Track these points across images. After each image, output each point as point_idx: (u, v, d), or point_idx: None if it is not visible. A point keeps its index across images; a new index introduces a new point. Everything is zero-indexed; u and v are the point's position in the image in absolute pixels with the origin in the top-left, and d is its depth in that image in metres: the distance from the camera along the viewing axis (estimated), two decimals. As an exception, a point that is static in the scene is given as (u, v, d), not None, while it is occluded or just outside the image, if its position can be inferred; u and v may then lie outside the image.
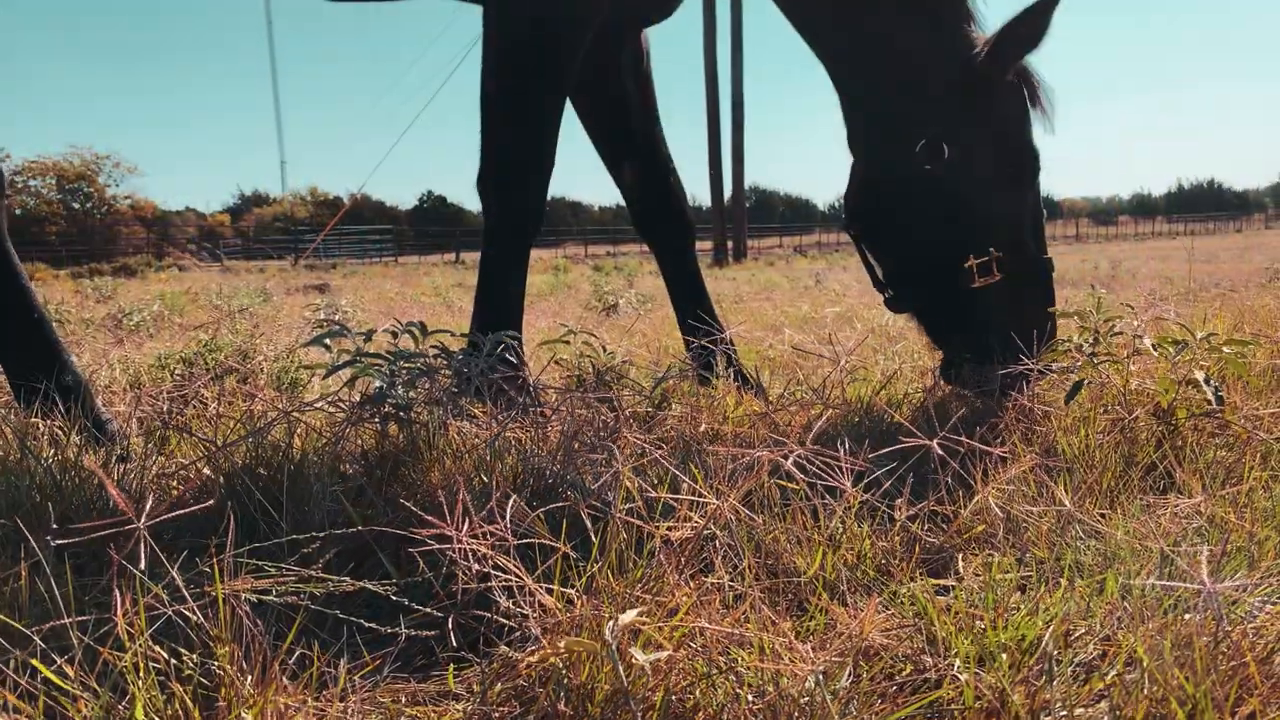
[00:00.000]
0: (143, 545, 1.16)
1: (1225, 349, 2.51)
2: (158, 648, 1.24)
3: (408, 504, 1.48)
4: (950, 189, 2.90)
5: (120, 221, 53.25)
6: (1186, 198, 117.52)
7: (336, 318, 6.69)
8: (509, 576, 1.34)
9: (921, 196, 2.93)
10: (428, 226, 65.84)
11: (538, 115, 3.01)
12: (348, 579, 1.30)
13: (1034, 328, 2.76)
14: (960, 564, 1.71)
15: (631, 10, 3.48)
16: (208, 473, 2.27)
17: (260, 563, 1.34)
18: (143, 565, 1.18)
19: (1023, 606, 1.43)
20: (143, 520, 1.18)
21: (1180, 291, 8.21)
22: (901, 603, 1.54)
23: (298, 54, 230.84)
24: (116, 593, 1.22)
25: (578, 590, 1.37)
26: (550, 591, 1.35)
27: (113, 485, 1.17)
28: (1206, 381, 2.38)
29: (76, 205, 51.81)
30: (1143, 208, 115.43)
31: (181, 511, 1.32)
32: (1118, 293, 9.25)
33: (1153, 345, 2.59)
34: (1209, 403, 2.39)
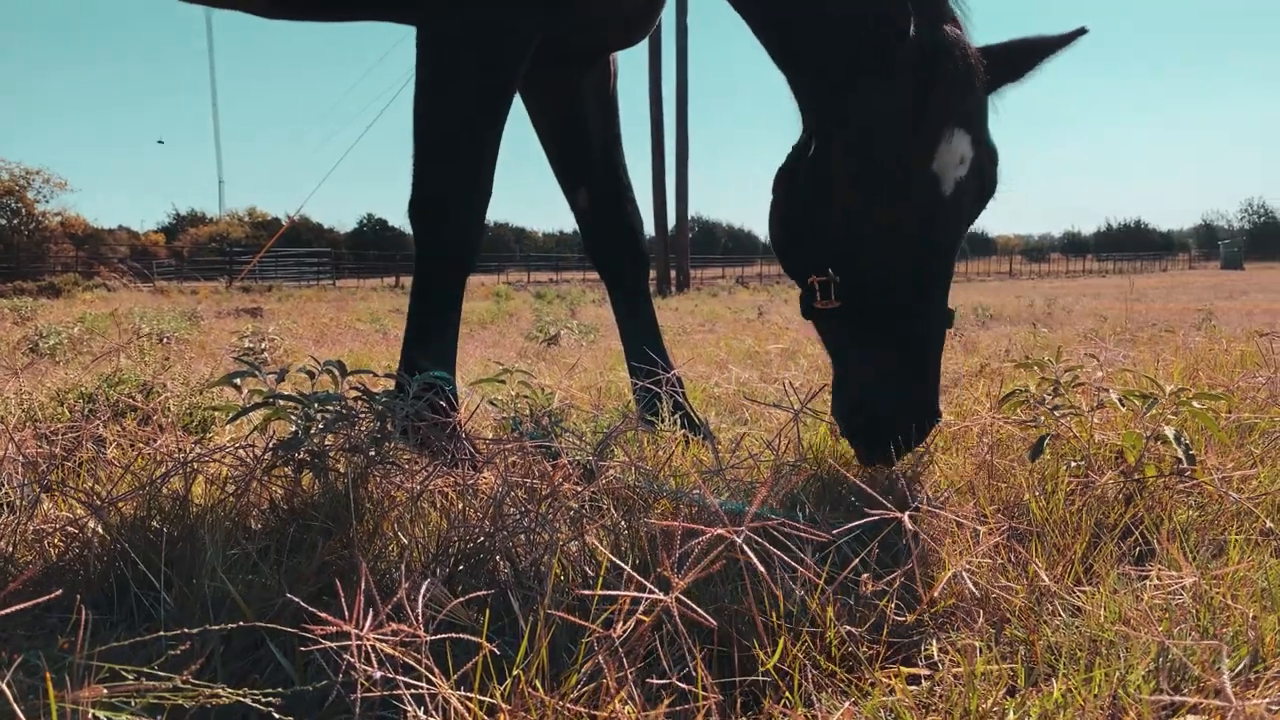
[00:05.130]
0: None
1: (1195, 403, 2.39)
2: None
3: (295, 597, 1.26)
4: (808, 193, 2.43)
5: (49, 239, 51.67)
6: (1115, 237, 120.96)
7: (263, 345, 6.38)
8: (420, 682, 1.14)
9: (788, 196, 2.51)
10: (367, 250, 64.92)
11: (471, 143, 2.81)
12: (223, 689, 1.08)
13: (897, 381, 2.25)
14: (934, 648, 1.54)
15: (598, 34, 3.30)
16: (97, 528, 2.02)
17: (115, 667, 1.11)
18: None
19: (1010, 711, 1.26)
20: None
21: (1118, 330, 8.26)
22: (871, 697, 1.37)
23: (238, 72, 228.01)
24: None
25: (501, 696, 1.17)
26: (469, 699, 1.15)
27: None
28: (1177, 439, 2.25)
29: (3, 221, 50.08)
30: (1073, 246, 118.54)
31: (22, 606, 1.09)
32: (1055, 330, 9.31)
33: (1119, 399, 2.47)
34: (1179, 460, 2.27)
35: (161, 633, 1.26)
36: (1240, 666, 1.38)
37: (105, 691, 1.05)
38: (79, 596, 1.35)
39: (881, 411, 2.27)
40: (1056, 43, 2.43)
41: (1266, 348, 4.32)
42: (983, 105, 2.37)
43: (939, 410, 2.33)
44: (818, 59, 2.50)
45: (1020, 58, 2.44)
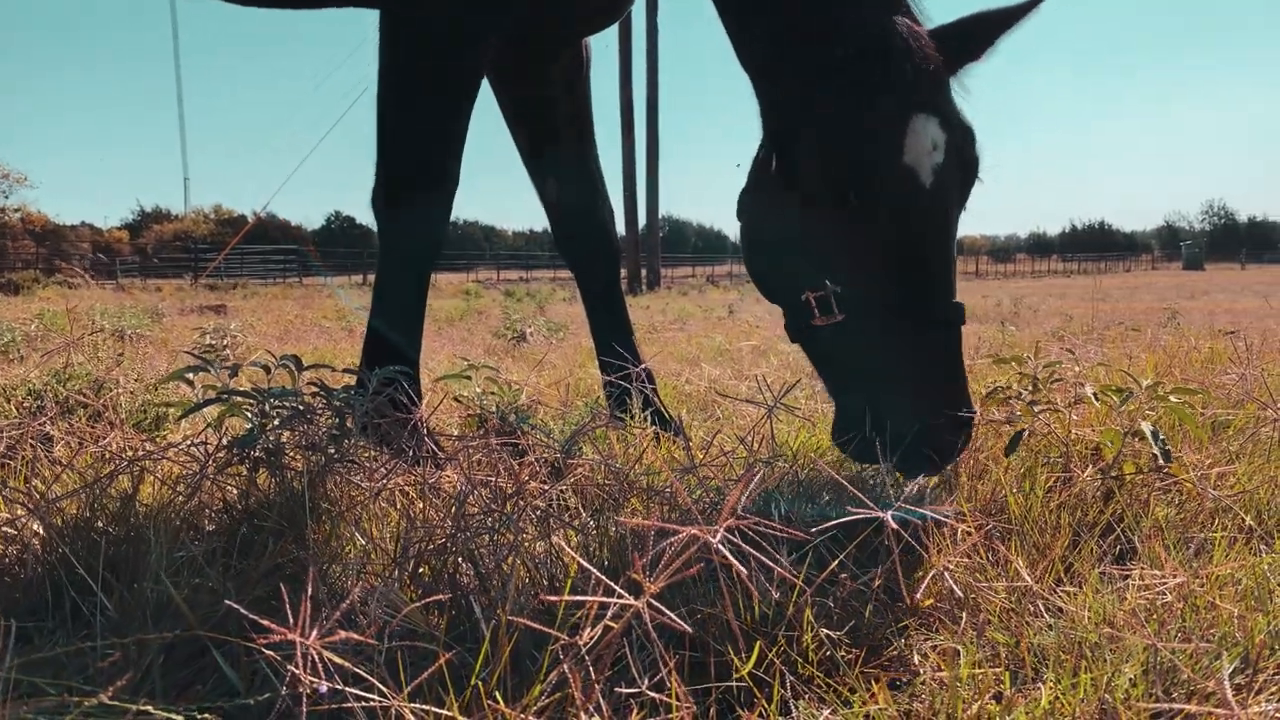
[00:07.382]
0: None
1: (1172, 398, 2.36)
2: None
3: (239, 604, 1.18)
4: (781, 209, 2.31)
5: (8, 235, 50.75)
6: (1079, 238, 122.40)
7: (225, 342, 6.24)
8: (372, 694, 1.06)
9: (759, 210, 2.40)
10: (335, 247, 64.33)
11: (435, 132, 2.72)
12: (153, 705, 0.99)
13: (922, 390, 2.13)
14: (916, 650, 1.49)
15: (568, 17, 3.19)
16: (36, 529, 1.92)
17: (39, 681, 1.02)
18: None
19: (996, 718, 1.20)
20: None
21: (1085, 329, 8.29)
22: (852, 705, 1.30)
23: (205, 67, 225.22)
24: None
25: (459, 708, 1.09)
26: (425, 711, 1.07)
27: None
28: (1155, 436, 2.21)
29: (-41, 217, 49.10)
30: (1039, 246, 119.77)
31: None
32: (1023, 329, 9.34)
33: (1094, 395, 2.43)
34: (1156, 457, 2.23)
35: (97, 642, 1.17)
36: (1231, 669, 1.33)
37: (25, 709, 0.96)
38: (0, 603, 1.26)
39: (922, 419, 2.09)
40: (1013, 14, 2.28)
41: (1236, 346, 4.32)
42: (945, 88, 2.26)
43: (972, 406, 2.18)
44: (779, 67, 2.40)
45: (976, 33, 2.31)
